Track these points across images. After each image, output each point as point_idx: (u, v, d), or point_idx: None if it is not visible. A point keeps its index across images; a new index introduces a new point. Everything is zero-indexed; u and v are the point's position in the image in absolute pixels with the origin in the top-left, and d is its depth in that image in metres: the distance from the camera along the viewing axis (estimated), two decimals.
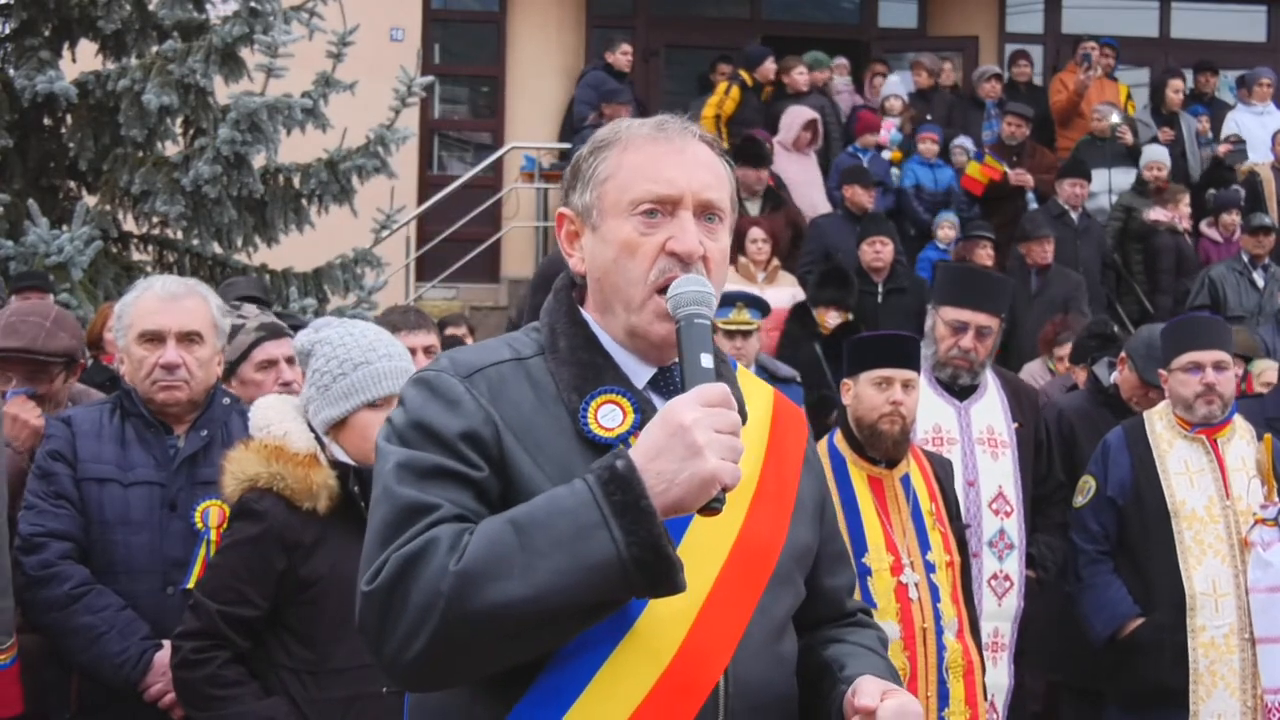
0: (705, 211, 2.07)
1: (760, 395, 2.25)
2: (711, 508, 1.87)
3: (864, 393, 4.38)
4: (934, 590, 4.27)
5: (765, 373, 7.01)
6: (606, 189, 2.07)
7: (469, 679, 1.93)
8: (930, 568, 4.30)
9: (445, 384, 2.01)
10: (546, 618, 1.83)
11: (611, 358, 2.08)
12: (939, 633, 4.26)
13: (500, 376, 2.04)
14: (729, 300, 7.07)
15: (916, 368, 4.46)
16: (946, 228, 10.70)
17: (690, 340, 1.97)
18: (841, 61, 12.89)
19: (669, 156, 2.07)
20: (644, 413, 2.02)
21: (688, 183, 2.06)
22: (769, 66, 11.98)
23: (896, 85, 12.56)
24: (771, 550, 2.09)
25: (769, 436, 2.19)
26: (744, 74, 11.96)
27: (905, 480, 4.41)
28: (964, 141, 11.82)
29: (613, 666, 1.93)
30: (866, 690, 2.01)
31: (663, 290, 2.02)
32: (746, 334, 6.90)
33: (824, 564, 2.25)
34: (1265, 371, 7.41)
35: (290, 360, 4.24)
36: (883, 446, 4.37)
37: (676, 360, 2.02)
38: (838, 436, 4.49)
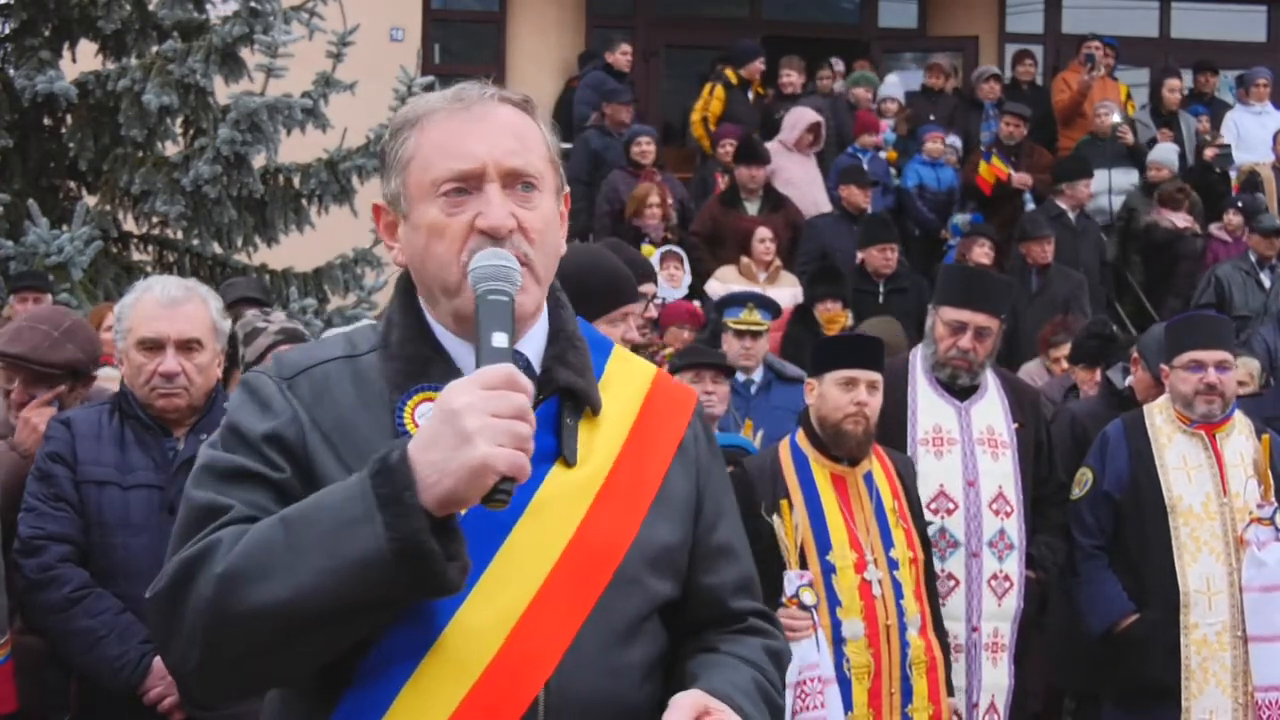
0: (516, 180, 1.93)
1: (634, 380, 2.10)
2: (495, 499, 1.73)
3: (828, 393, 4.41)
4: (897, 587, 4.30)
5: (772, 372, 7.02)
6: (410, 173, 1.94)
7: (253, 690, 1.85)
8: (893, 564, 4.33)
9: (261, 385, 1.94)
10: (311, 619, 1.72)
11: (444, 348, 1.96)
12: (902, 629, 4.29)
13: (325, 375, 1.94)
14: (740, 300, 7.07)
15: (881, 369, 4.49)
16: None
17: (485, 318, 1.83)
18: (840, 66, 12.91)
19: (467, 127, 1.93)
20: None
21: (489, 152, 1.92)
22: (757, 65, 11.99)
23: (894, 87, 12.59)
24: (615, 550, 1.93)
25: (633, 425, 2.03)
26: (729, 73, 11.98)
27: (868, 478, 4.43)
28: (954, 141, 11.83)
29: (417, 682, 1.82)
30: (679, 706, 1.87)
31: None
32: (756, 334, 6.90)
33: (700, 561, 2.06)
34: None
35: None
36: (846, 446, 4.40)
37: (521, 350, 1.97)
38: (799, 435, 4.51)
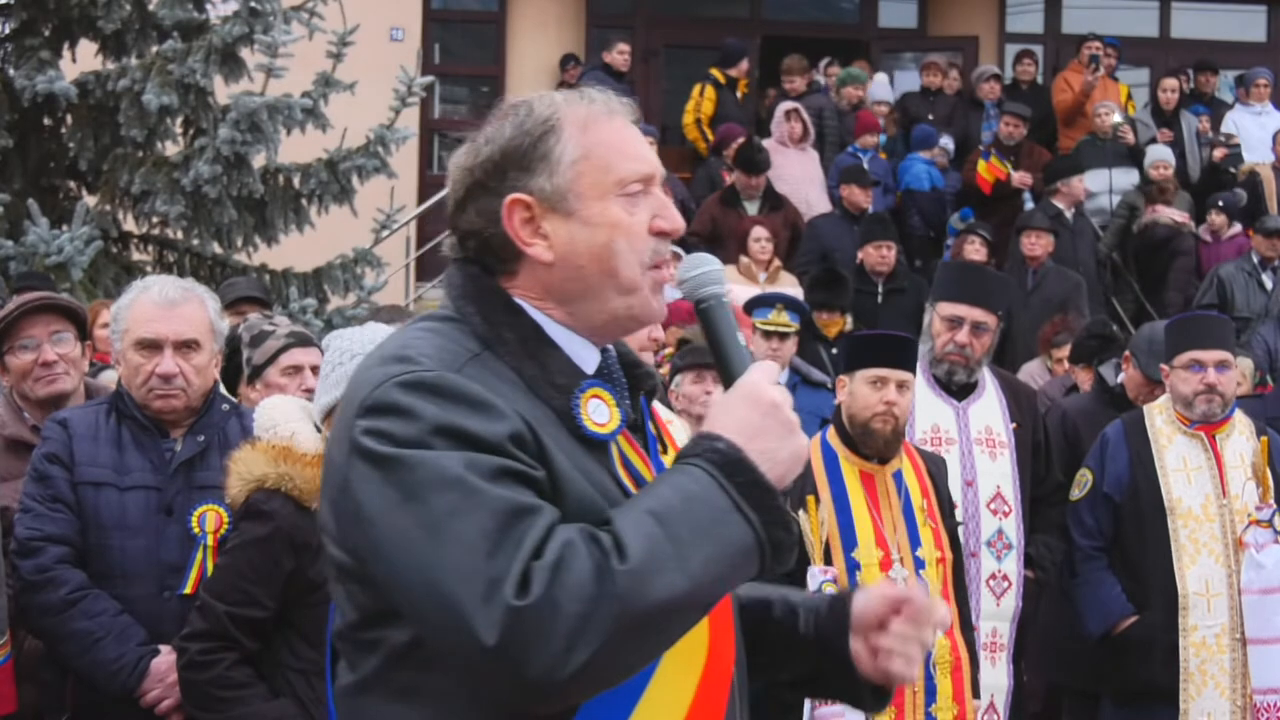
0: (662, 186, 2.03)
1: None
2: (788, 484, 1.89)
3: (858, 390, 4.41)
4: (922, 586, 4.29)
5: (798, 375, 7.02)
6: (582, 170, 1.94)
7: (606, 689, 1.80)
8: (920, 564, 4.32)
9: (460, 385, 1.83)
10: (701, 608, 1.80)
11: (559, 347, 1.96)
12: None
13: (485, 372, 1.89)
14: (768, 302, 7.07)
15: (912, 369, 4.48)
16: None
17: (724, 320, 1.98)
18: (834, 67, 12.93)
19: (631, 131, 2.01)
20: (620, 407, 1.96)
21: (655, 158, 2.02)
22: (743, 65, 12.00)
23: (883, 88, 12.60)
24: None
25: None
26: (716, 73, 11.99)
27: (898, 476, 4.43)
28: (946, 143, 11.83)
29: (662, 672, 1.88)
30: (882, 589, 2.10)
31: (652, 269, 1.97)
32: (784, 336, 6.91)
33: None
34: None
35: (316, 369, 4.23)
36: (874, 444, 4.40)
37: (610, 346, 2.01)
38: (830, 432, 4.51)
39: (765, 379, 1.90)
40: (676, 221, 1.99)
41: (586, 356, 1.98)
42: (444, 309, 2.01)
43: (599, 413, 1.93)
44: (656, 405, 2.61)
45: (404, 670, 1.86)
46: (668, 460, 2.04)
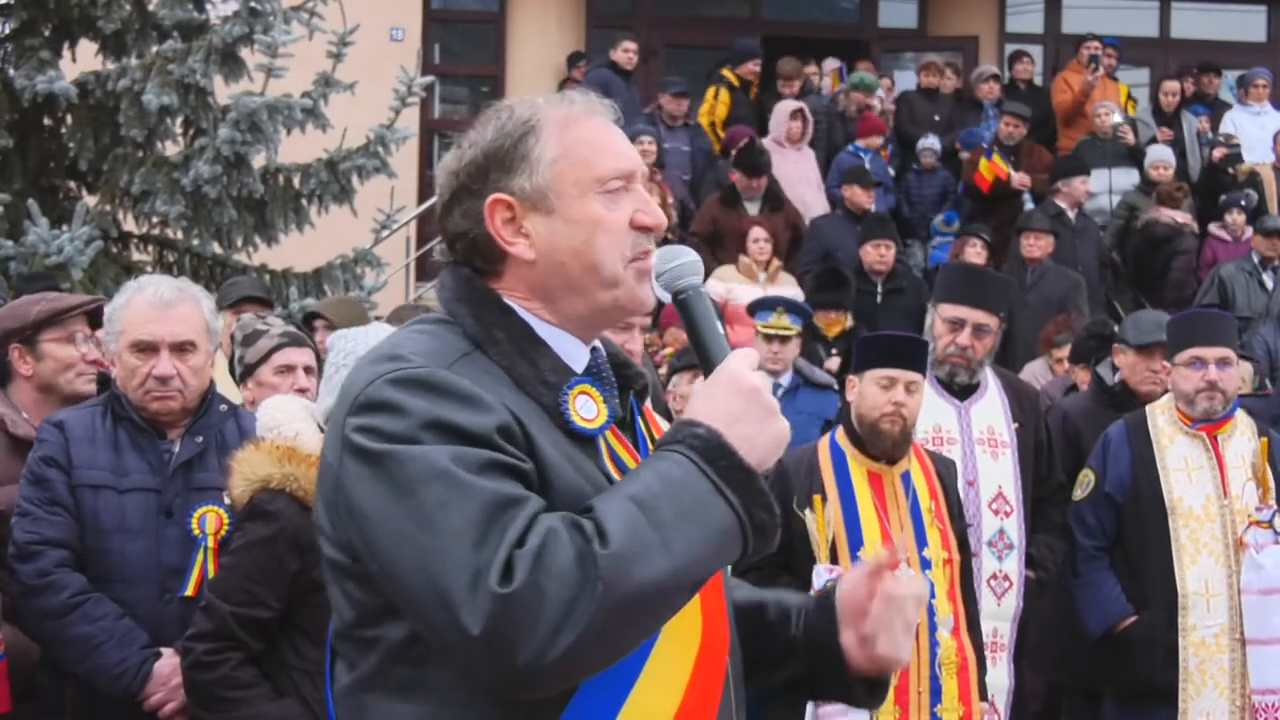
0: (643, 182, 2.06)
1: None
2: (769, 467, 1.91)
3: (867, 391, 4.41)
4: (929, 587, 4.29)
5: (800, 377, 7.02)
6: (562, 169, 1.97)
7: (594, 673, 1.83)
8: (926, 564, 4.33)
9: (449, 380, 1.86)
10: (686, 591, 1.82)
11: (550, 346, 1.99)
12: (932, 629, 4.28)
13: (475, 369, 1.92)
14: (769, 305, 7.07)
15: (922, 370, 4.48)
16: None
17: (702, 310, 2.00)
18: (835, 65, 12.91)
19: (611, 129, 2.04)
20: (609, 404, 1.99)
21: (635, 155, 2.05)
22: (750, 66, 12.01)
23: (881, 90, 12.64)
24: None
25: None
26: (728, 74, 12.00)
27: (905, 477, 4.43)
28: (931, 142, 11.84)
29: (658, 653, 1.91)
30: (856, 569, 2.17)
31: (635, 262, 2.00)
32: (785, 339, 6.89)
33: None
34: None
35: (309, 370, 4.22)
36: (882, 445, 4.39)
37: (599, 346, 2.04)
38: (839, 432, 4.51)
39: (744, 365, 1.92)
40: (658, 216, 2.02)
41: (576, 355, 2.01)
42: (438, 312, 2.04)
43: (586, 409, 1.96)
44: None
45: (403, 666, 1.88)
46: None
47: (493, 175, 1.99)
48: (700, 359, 2.01)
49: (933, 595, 4.29)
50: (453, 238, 2.04)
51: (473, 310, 1.98)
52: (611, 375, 2.06)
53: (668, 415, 3.64)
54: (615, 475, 1.95)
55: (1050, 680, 6.14)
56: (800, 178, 10.99)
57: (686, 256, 2.03)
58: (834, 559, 4.28)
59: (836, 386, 7.11)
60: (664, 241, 7.92)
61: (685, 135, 11.18)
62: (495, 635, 1.72)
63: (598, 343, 2.07)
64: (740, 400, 1.89)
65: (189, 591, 3.68)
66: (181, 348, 3.78)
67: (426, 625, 1.79)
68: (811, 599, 2.21)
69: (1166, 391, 5.85)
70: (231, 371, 4.44)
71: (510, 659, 1.73)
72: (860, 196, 10.15)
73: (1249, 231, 10.73)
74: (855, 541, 4.30)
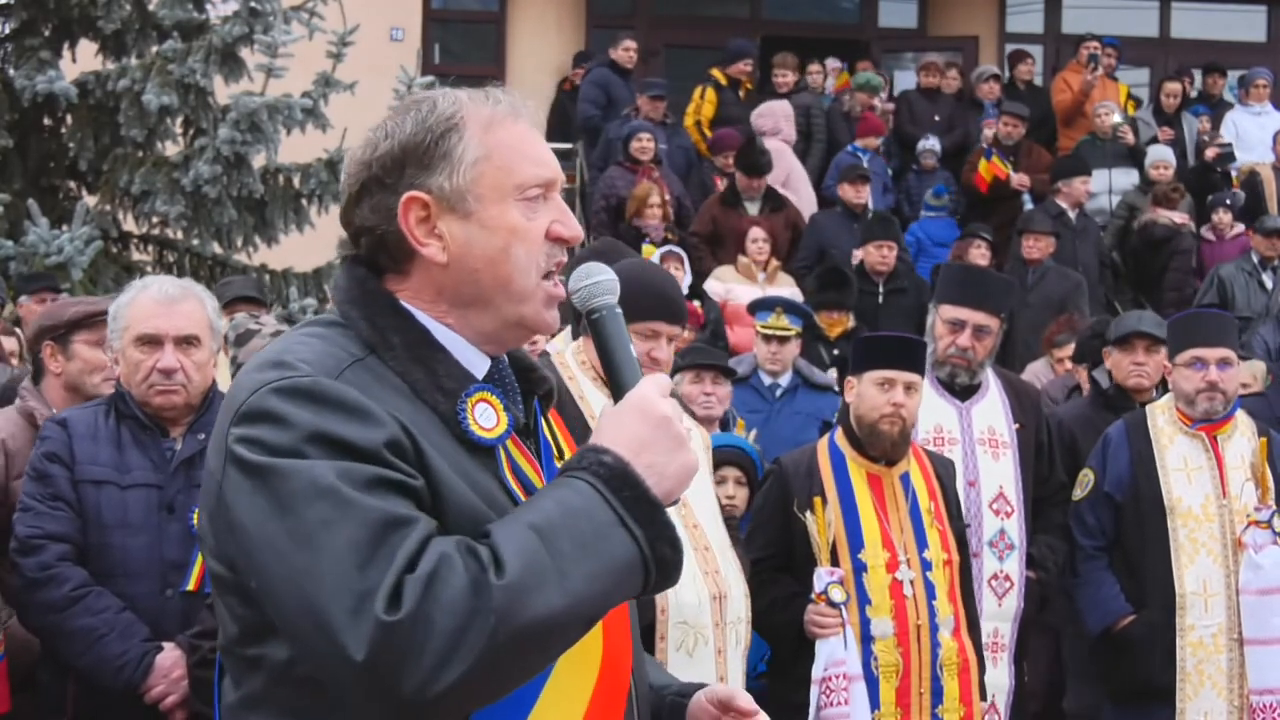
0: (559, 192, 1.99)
1: None
2: (675, 500, 1.84)
3: (866, 392, 4.39)
4: (930, 588, 4.29)
5: (799, 377, 7.01)
6: (482, 171, 1.88)
7: (487, 704, 1.76)
8: (927, 565, 4.31)
9: (335, 391, 1.77)
10: (582, 624, 1.75)
11: (447, 350, 1.91)
12: (933, 630, 4.27)
13: (367, 377, 1.83)
14: (768, 305, 7.07)
15: (921, 371, 4.47)
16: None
17: (616, 332, 1.93)
18: (835, 64, 12.91)
19: (534, 135, 1.96)
20: (509, 411, 1.91)
21: (556, 163, 1.96)
22: (741, 66, 12.01)
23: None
24: None
25: None
26: (716, 73, 11.99)
27: (905, 478, 4.42)
28: (932, 144, 11.85)
29: (556, 676, 1.85)
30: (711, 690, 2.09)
31: (546, 277, 1.92)
32: (784, 339, 6.89)
33: None
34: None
35: None
36: (881, 446, 4.38)
37: (504, 355, 1.98)
38: (838, 434, 4.50)
39: (656, 392, 1.85)
40: (574, 229, 1.94)
41: (476, 361, 1.94)
42: (330, 313, 1.96)
43: (485, 417, 1.88)
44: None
45: (288, 688, 1.80)
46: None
47: (409, 171, 1.89)
48: (610, 383, 1.93)
49: (934, 597, 4.28)
50: (358, 231, 1.94)
51: (366, 313, 1.90)
52: (514, 380, 1.99)
53: (582, 420, 3.63)
54: (514, 486, 1.88)
55: (1050, 680, 6.14)
56: (796, 177, 11.00)
57: (602, 275, 1.96)
58: (834, 561, 4.27)
59: (836, 388, 7.11)
60: (664, 242, 7.95)
61: (663, 134, 11.16)
62: (379, 664, 1.63)
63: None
64: (649, 428, 1.81)
65: (190, 587, 3.69)
66: (186, 341, 3.80)
67: (304, 649, 1.71)
68: (673, 699, 2.13)
69: (1154, 384, 5.87)
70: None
71: (393, 690, 1.64)
72: (849, 192, 10.15)
73: (1236, 229, 10.74)
74: (856, 544, 4.29)
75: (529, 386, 2.02)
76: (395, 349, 1.87)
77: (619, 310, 1.95)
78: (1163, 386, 6.19)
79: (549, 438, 2.05)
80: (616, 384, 1.91)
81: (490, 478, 1.86)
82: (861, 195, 10.20)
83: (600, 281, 1.96)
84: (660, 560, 1.78)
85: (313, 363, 1.80)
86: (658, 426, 1.82)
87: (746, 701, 2.06)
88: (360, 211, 1.93)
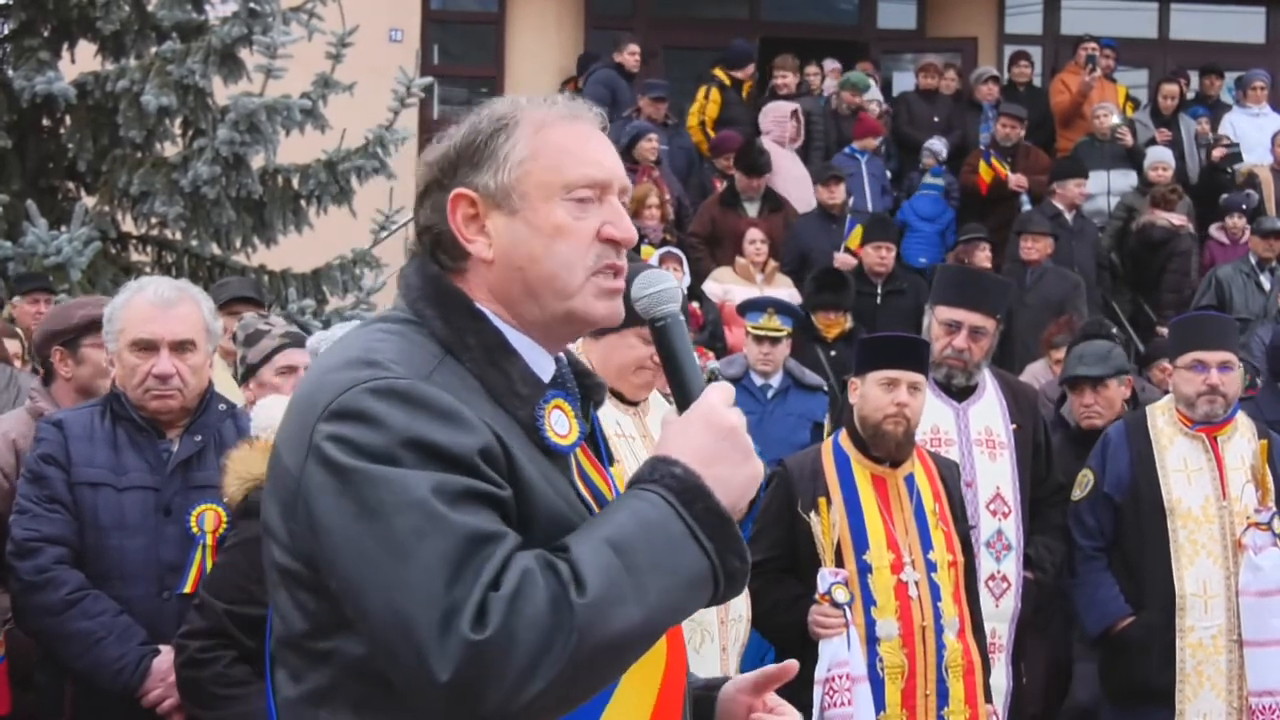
0: (623, 196, 1.98)
1: None
2: (742, 510, 1.86)
3: (870, 392, 4.39)
4: (934, 589, 4.28)
5: (791, 378, 7.01)
6: (529, 170, 1.91)
7: (562, 715, 1.77)
8: (932, 566, 4.30)
9: (431, 394, 1.77)
10: (654, 638, 1.78)
11: (520, 356, 1.92)
12: (938, 631, 4.27)
13: (452, 379, 1.84)
14: (760, 305, 7.08)
15: (924, 370, 4.47)
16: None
17: (680, 340, 1.94)
18: (834, 65, 12.91)
19: (591, 137, 1.97)
20: (578, 419, 1.94)
21: (614, 166, 1.96)
22: (749, 70, 12.01)
23: (874, 90, 12.61)
24: None
25: None
26: (721, 74, 11.99)
27: (909, 480, 4.41)
28: (935, 145, 11.86)
29: (625, 683, 1.88)
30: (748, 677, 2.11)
31: (597, 275, 1.93)
32: (776, 340, 6.89)
33: None
34: None
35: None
36: (886, 447, 4.37)
37: (562, 355, 1.99)
38: (843, 435, 4.50)
39: (722, 402, 1.86)
40: (627, 231, 1.94)
41: (544, 365, 1.95)
42: (400, 310, 1.97)
43: (560, 424, 1.90)
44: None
45: (360, 682, 1.81)
46: (615, 472, 2.05)
47: (461, 170, 1.94)
48: (675, 391, 1.93)
49: (939, 598, 4.28)
50: (422, 230, 2.00)
51: (441, 312, 1.91)
52: (576, 386, 2.01)
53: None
54: (584, 492, 1.92)
55: (1050, 681, 6.15)
56: (798, 176, 10.99)
57: (665, 283, 1.97)
58: (839, 562, 4.27)
59: (826, 389, 7.12)
60: (663, 243, 7.95)
61: (663, 135, 11.16)
62: (463, 683, 1.65)
63: (560, 353, 2.02)
64: (717, 439, 1.83)
65: (187, 589, 3.69)
66: (181, 346, 3.79)
67: (387, 657, 1.72)
68: (700, 698, 2.13)
69: (1112, 417, 5.93)
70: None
71: (474, 706, 1.66)
72: (824, 193, 10.16)
73: (1248, 234, 10.74)
74: (861, 545, 4.29)
75: (585, 392, 2.04)
76: (472, 350, 1.88)
77: (682, 318, 1.97)
78: (1134, 402, 6.28)
79: (605, 445, 2.09)
80: (682, 393, 1.91)
81: (565, 484, 1.89)
82: (835, 195, 10.18)
83: (663, 290, 1.96)
84: (729, 572, 1.79)
85: (402, 362, 1.81)
86: (725, 437, 1.83)
87: (775, 669, 2.09)
88: (423, 211, 1.99)
